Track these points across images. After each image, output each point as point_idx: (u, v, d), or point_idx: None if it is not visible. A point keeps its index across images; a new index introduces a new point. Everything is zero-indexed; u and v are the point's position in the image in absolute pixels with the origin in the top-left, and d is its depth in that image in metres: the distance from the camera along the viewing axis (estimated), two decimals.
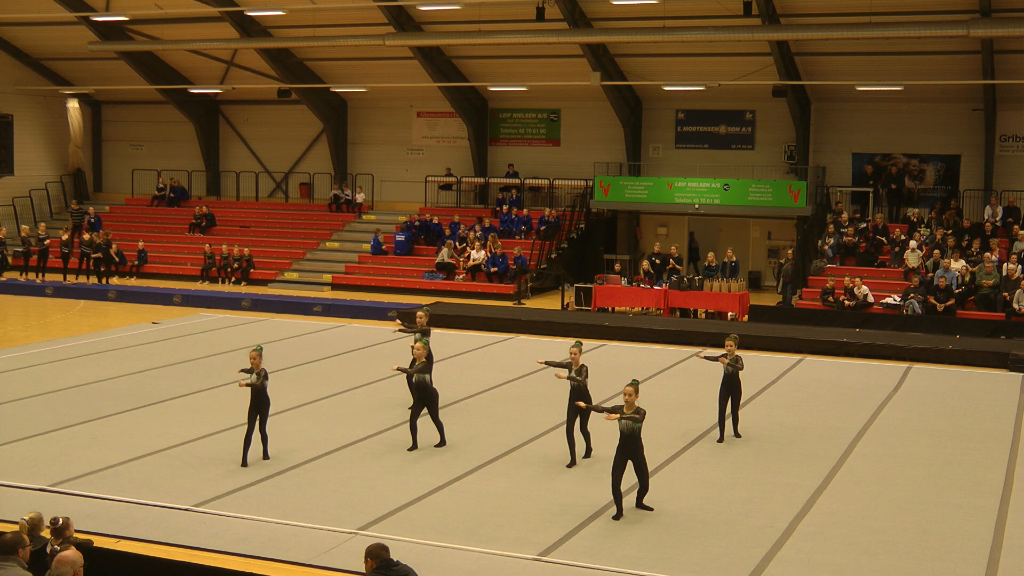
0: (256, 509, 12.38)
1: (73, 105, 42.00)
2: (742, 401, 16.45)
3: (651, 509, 12.62)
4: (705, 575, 10.76)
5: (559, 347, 23.46)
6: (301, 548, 11.18)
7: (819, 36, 29.47)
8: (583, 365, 14.81)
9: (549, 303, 30.14)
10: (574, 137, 36.23)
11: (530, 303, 30.38)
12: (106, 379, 19.53)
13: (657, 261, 29.72)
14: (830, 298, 27.21)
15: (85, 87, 40.82)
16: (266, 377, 14.37)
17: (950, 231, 29.33)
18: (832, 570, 10.91)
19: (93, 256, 33.36)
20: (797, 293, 28.72)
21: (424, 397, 15.17)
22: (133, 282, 33.48)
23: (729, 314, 27.81)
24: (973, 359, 22.69)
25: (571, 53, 32.67)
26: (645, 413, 12.52)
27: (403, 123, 38.44)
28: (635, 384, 12.67)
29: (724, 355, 16.04)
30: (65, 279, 33.20)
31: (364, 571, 8.43)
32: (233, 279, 33.65)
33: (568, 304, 29.38)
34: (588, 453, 14.93)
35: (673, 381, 20.35)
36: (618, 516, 12.34)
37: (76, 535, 9.84)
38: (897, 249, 29.26)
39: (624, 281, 29.26)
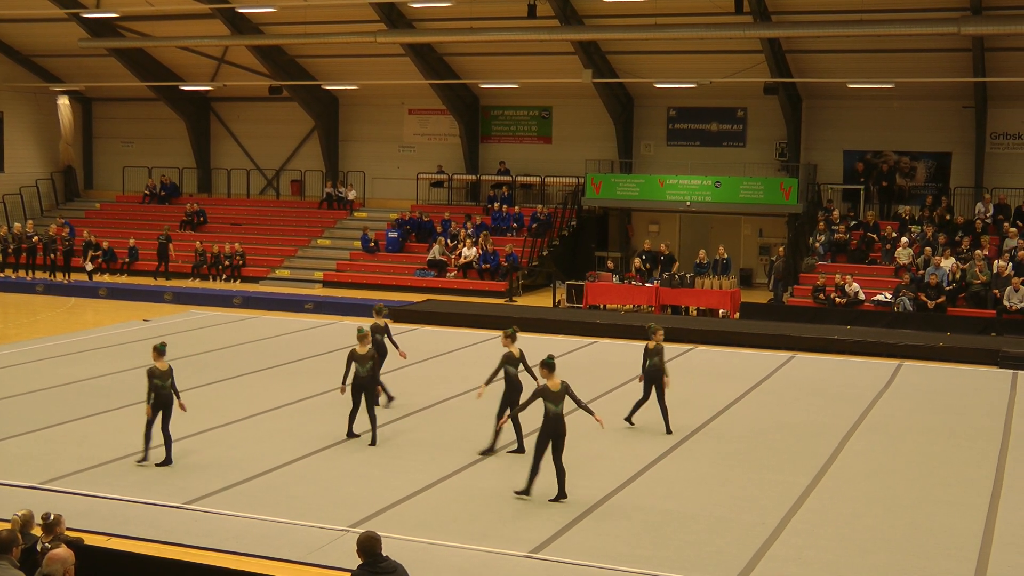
0: (248, 507, 12.38)
1: (64, 102, 41.90)
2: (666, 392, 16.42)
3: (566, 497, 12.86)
4: (697, 572, 10.77)
5: (550, 344, 23.50)
6: (293, 545, 11.18)
7: (810, 34, 29.53)
8: (511, 352, 15.03)
9: (540, 300, 30.15)
10: (566, 134, 36.23)
11: (521, 300, 30.38)
12: (97, 376, 19.50)
13: (645, 261, 29.71)
14: (821, 295, 27.25)
15: (76, 84, 40.72)
16: None
17: (941, 229, 29.38)
18: (824, 567, 10.93)
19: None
20: (788, 290, 28.75)
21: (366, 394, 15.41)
22: (124, 279, 33.42)
23: (720, 311, 27.84)
24: (964, 356, 22.76)
25: (563, 50, 32.66)
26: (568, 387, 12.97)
27: (395, 120, 38.41)
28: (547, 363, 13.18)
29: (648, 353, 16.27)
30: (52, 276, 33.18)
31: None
32: (224, 276, 33.61)
33: (560, 301, 29.39)
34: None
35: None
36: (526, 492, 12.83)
37: (67, 533, 9.83)
38: (888, 246, 29.31)
39: (615, 278, 29.28)
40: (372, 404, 15.39)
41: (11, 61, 39.91)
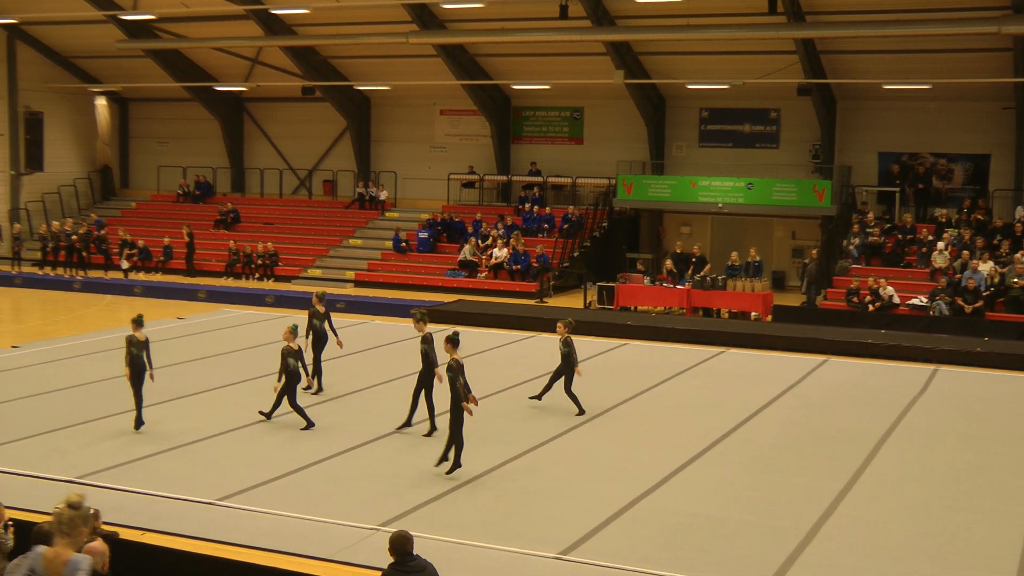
0: (279, 504, 12.43)
1: (101, 102, 42.34)
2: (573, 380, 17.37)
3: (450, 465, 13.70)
4: None
5: (581, 345, 23.48)
6: (323, 543, 11.23)
7: (845, 34, 29.34)
8: (428, 333, 15.90)
9: (571, 302, 30.12)
10: (597, 135, 36.19)
11: (552, 301, 30.36)
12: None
13: (677, 262, 29.62)
14: (855, 299, 27.08)
15: (113, 85, 41.09)
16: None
17: (978, 232, 29.12)
18: (856, 574, 10.85)
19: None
20: (821, 293, 28.60)
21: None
22: (158, 277, 33.67)
23: (752, 314, 27.72)
24: (1001, 362, 22.48)
25: (594, 51, 32.63)
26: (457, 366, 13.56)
27: (426, 121, 38.49)
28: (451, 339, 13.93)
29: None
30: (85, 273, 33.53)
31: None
32: (257, 275, 33.80)
33: (590, 303, 29.36)
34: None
35: (695, 381, 20.29)
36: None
37: (103, 527, 9.93)
38: (924, 250, 29.07)
39: (647, 280, 29.20)
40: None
41: (51, 62, 40.31)
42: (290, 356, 15.88)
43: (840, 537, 11.87)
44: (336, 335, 18.74)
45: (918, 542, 11.80)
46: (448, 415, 13.78)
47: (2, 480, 13.21)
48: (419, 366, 15.92)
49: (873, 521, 12.42)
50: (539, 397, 17.81)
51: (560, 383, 17.42)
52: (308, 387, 18.02)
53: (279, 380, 15.97)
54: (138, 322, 15.75)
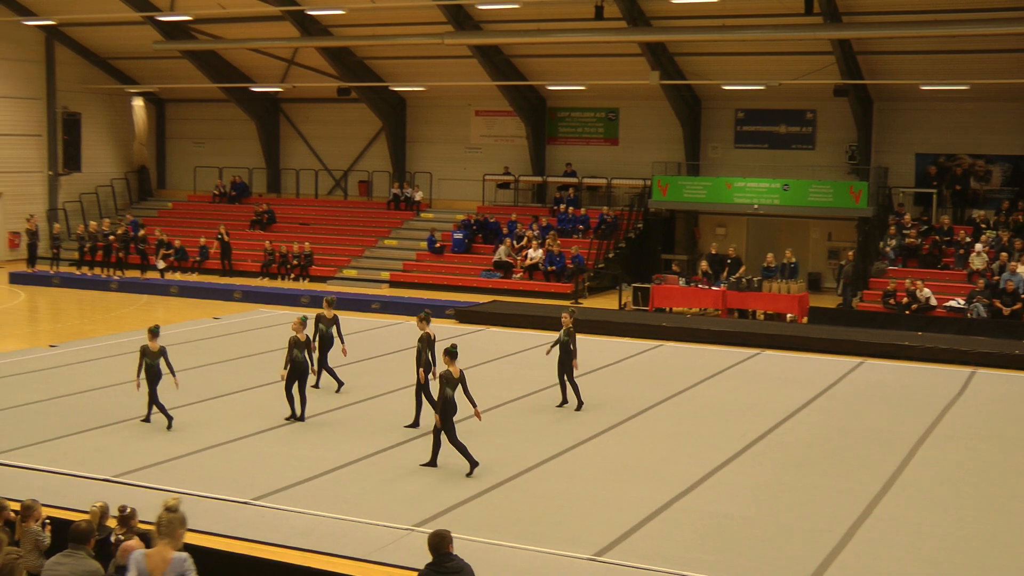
0: (314, 504, 12.48)
1: (138, 103, 42.68)
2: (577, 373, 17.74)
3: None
4: None
5: (616, 347, 23.46)
6: (358, 543, 11.25)
7: (882, 35, 29.13)
8: (426, 334, 16.36)
9: (606, 303, 30.07)
10: (632, 136, 36.12)
11: (587, 302, 30.32)
12: (167, 373, 19.74)
13: (712, 264, 29.51)
14: (891, 300, 26.88)
15: (150, 86, 41.43)
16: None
17: (1017, 234, 28.82)
18: None
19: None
20: (858, 295, 28.41)
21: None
22: (194, 277, 33.88)
23: (788, 315, 27.57)
24: None
25: (630, 52, 32.57)
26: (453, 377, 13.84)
27: (461, 122, 38.55)
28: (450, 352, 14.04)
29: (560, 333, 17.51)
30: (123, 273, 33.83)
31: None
32: (293, 276, 33.95)
33: (625, 304, 29.30)
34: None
35: (730, 383, 20.20)
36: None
37: (139, 525, 10.00)
38: (962, 251, 28.82)
39: (682, 281, 29.10)
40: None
41: (88, 63, 40.70)
42: (296, 347, 16.18)
43: (877, 540, 11.78)
44: (343, 342, 18.72)
45: (955, 545, 11.69)
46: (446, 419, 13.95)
47: (40, 478, 13.34)
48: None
49: (910, 524, 12.32)
50: (565, 402, 17.77)
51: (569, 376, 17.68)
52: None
53: (284, 369, 16.29)
54: (154, 332, 16.03)
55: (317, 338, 18.58)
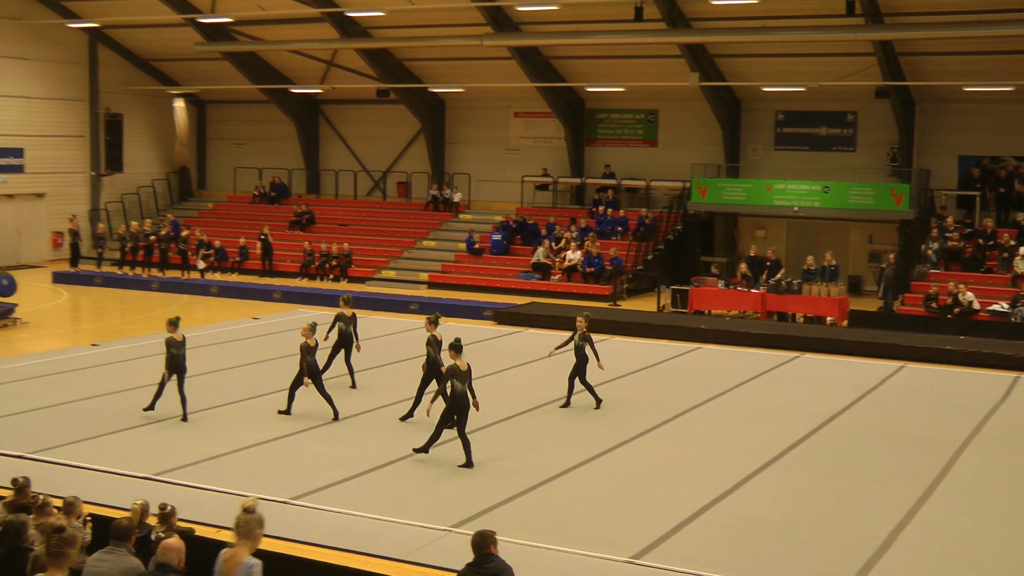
0: (352, 504, 12.52)
1: (179, 104, 43.02)
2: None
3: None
4: None
5: (654, 349, 23.39)
6: (395, 543, 11.27)
7: (925, 35, 28.83)
8: (433, 336, 16.78)
9: (645, 305, 29.98)
10: (671, 138, 35.99)
11: (626, 304, 30.25)
12: (208, 372, 19.90)
13: (751, 266, 29.34)
14: (933, 304, 26.63)
15: (191, 87, 41.73)
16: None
17: None
18: None
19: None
20: (899, 299, 28.17)
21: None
22: (234, 278, 34.08)
23: (828, 319, 27.38)
24: None
25: (669, 53, 32.46)
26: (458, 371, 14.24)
27: (500, 123, 38.57)
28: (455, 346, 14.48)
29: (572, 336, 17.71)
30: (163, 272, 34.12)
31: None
32: (332, 276, 34.09)
33: (664, 306, 29.20)
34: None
35: (769, 386, 20.08)
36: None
37: (178, 523, 10.07)
38: (1005, 255, 28.49)
39: (721, 284, 28.96)
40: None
41: (131, 65, 41.07)
42: (308, 353, 16.46)
43: (918, 546, 11.67)
44: (357, 339, 19.07)
45: (999, 552, 11.57)
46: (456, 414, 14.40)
47: (81, 475, 13.46)
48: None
49: (952, 531, 12.20)
50: (597, 404, 17.82)
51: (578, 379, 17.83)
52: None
53: (305, 375, 16.49)
54: (174, 323, 16.42)
55: (331, 336, 18.99)
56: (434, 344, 16.71)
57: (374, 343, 22.96)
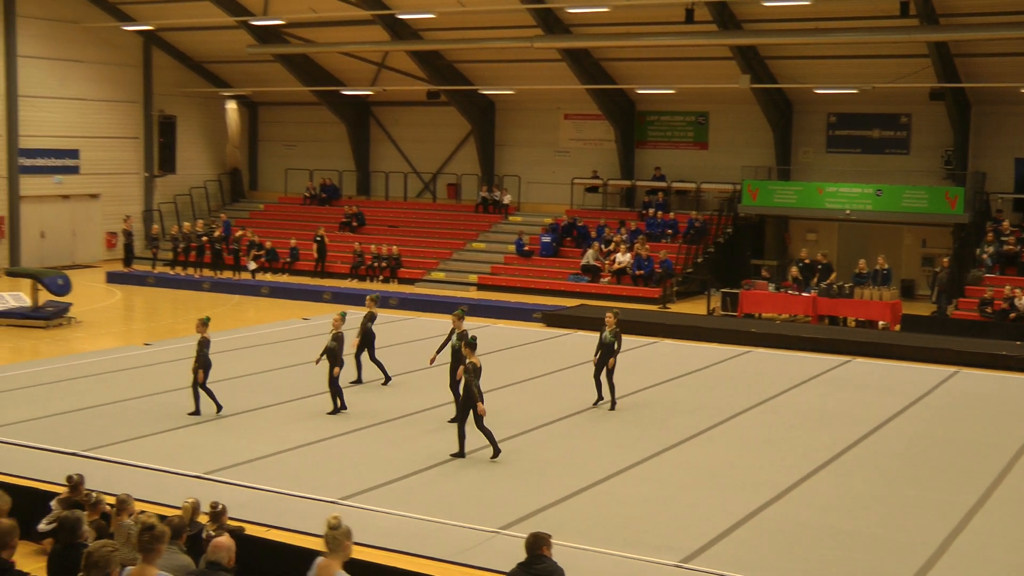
0: (400, 504, 12.54)
1: (231, 106, 43.39)
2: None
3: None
4: None
5: (703, 352, 23.27)
6: (443, 545, 11.27)
7: (981, 36, 28.48)
8: (464, 331, 16.96)
9: (694, 308, 29.84)
10: (722, 140, 35.81)
11: (675, 307, 30.13)
12: (258, 372, 20.06)
13: (803, 269, 29.10)
14: (988, 309, 26.28)
15: (243, 89, 42.08)
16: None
17: None
18: None
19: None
20: (953, 303, 27.83)
21: None
22: (285, 278, 34.31)
23: (880, 323, 27.10)
24: None
25: (720, 55, 32.29)
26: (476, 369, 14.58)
27: (550, 125, 38.55)
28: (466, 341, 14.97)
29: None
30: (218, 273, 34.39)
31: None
32: (381, 278, 34.22)
33: (714, 309, 29.05)
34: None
35: (820, 390, 19.90)
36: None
37: (229, 522, 10.15)
38: None
39: (771, 287, 28.75)
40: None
41: (184, 67, 41.50)
42: (334, 339, 17.01)
43: (972, 553, 11.51)
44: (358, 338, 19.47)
45: None
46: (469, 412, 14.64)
47: (133, 473, 13.60)
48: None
49: (1007, 538, 12.02)
50: (601, 399, 17.96)
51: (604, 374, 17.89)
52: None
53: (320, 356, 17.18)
54: (205, 323, 16.74)
55: (361, 334, 19.33)
56: (464, 338, 16.67)
57: (421, 345, 23.01)
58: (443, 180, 40.72)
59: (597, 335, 18.24)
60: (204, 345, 16.54)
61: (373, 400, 17.97)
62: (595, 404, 17.87)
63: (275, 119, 44.06)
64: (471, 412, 14.48)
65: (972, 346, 23.71)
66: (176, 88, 41.20)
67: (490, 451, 14.64)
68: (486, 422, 14.52)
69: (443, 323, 26.52)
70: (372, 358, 19.33)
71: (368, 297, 20.18)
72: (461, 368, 15.22)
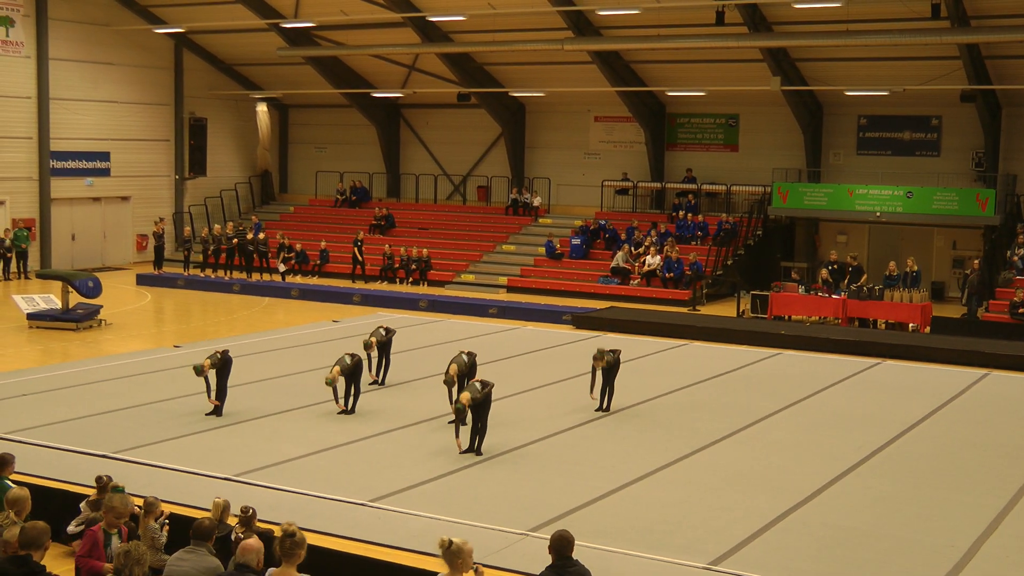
0: (430, 507, 12.59)
1: (262, 109, 43.62)
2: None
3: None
4: None
5: (733, 355, 23.23)
6: (473, 547, 11.28)
7: (1013, 39, 28.28)
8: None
9: (724, 310, 29.79)
10: (752, 142, 35.72)
11: (705, 310, 30.08)
12: (287, 375, 20.17)
13: (833, 272, 28.97)
14: (1020, 311, 26.10)
15: (274, 91, 42.30)
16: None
17: None
18: None
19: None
20: (983, 305, 27.65)
21: None
22: (315, 281, 34.46)
23: (910, 325, 26.96)
24: None
25: (750, 57, 32.21)
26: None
27: (580, 127, 38.57)
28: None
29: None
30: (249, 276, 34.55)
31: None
32: (411, 280, 34.31)
33: (743, 311, 28.97)
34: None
35: (850, 393, 19.82)
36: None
37: (258, 524, 10.23)
38: None
39: (801, 289, 28.65)
40: None
41: (215, 70, 41.76)
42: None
43: (1001, 557, 11.45)
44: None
45: None
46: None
47: (162, 475, 13.69)
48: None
49: None
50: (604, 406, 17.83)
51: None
52: (372, 381, 19.25)
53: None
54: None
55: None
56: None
57: (452, 347, 23.07)
58: (473, 182, 40.79)
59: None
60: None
61: (403, 402, 18.03)
62: (596, 410, 17.77)
63: (306, 121, 44.26)
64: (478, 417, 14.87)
65: (1002, 348, 23.57)
66: (207, 90, 41.47)
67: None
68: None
69: (473, 325, 26.64)
70: (379, 361, 19.57)
71: (372, 336, 19.64)
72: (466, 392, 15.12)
